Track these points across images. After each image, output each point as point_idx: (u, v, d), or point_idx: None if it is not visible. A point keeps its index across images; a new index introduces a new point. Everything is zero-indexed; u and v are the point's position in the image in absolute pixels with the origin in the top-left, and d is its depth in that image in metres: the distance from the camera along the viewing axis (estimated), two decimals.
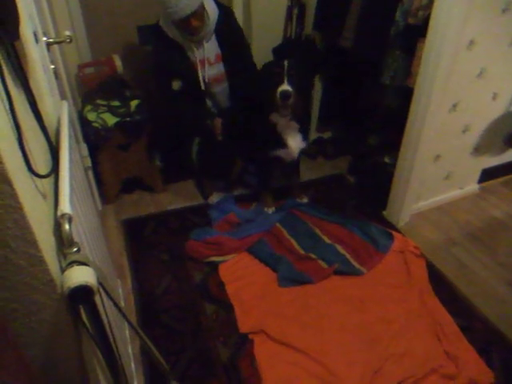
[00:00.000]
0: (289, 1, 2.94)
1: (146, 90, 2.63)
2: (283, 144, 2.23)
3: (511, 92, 2.34)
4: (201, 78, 2.33)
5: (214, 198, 2.56)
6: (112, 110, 2.37)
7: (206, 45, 2.29)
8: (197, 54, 2.29)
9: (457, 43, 1.88)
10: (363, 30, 2.34)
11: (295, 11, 2.94)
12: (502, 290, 2.03)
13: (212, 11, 2.24)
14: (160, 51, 2.29)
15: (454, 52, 1.89)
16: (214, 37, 2.31)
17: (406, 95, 2.16)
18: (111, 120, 2.33)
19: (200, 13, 2.13)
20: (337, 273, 2.04)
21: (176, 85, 2.31)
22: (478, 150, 2.48)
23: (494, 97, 2.28)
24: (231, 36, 2.37)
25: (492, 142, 2.51)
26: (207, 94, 2.44)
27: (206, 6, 2.18)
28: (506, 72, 2.21)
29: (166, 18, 2.17)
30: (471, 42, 1.96)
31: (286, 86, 2.00)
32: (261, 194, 2.52)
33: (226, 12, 2.33)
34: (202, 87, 2.36)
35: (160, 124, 2.63)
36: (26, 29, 1.11)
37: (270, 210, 2.45)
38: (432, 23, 1.86)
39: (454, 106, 2.15)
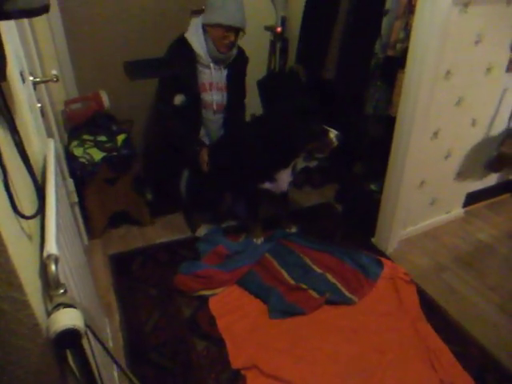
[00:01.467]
0: (272, 35, 3.03)
1: (133, 124, 2.66)
2: (272, 178, 2.25)
3: (489, 118, 2.41)
4: (212, 99, 2.41)
5: (202, 231, 2.54)
6: (98, 145, 2.37)
7: (223, 70, 2.38)
8: (214, 75, 2.36)
9: (434, 73, 1.95)
10: (344, 62, 2.42)
11: (278, 45, 3.04)
12: (494, 314, 2.03)
13: (236, 46, 2.39)
14: (175, 61, 2.33)
15: (432, 82, 1.96)
16: (227, 68, 2.41)
17: (388, 123, 2.21)
18: (98, 155, 2.33)
19: (238, 35, 2.28)
20: (328, 302, 2.03)
21: (178, 99, 2.34)
22: (461, 174, 2.54)
23: (473, 123, 2.35)
24: (239, 75, 2.49)
25: (474, 166, 2.57)
26: (204, 119, 2.48)
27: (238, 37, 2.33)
28: (483, 100, 2.29)
29: (207, 24, 2.24)
30: (448, 73, 2.03)
31: (334, 130, 2.06)
32: (249, 225, 2.51)
33: (243, 54, 2.49)
34: (215, 107, 2.43)
35: (150, 156, 2.63)
36: (13, 69, 1.12)
37: (259, 241, 2.44)
38: (410, 55, 1.93)
39: (436, 133, 2.21)
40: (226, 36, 2.23)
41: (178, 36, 2.34)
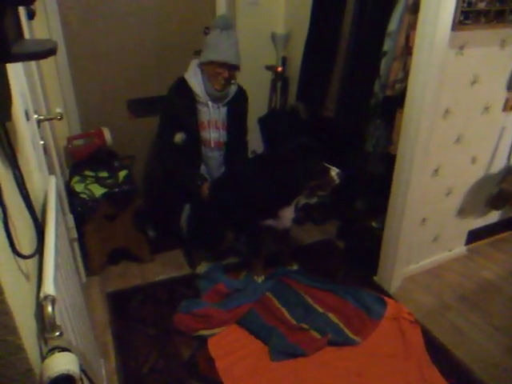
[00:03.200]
0: (273, 74, 3.11)
1: (134, 160, 2.68)
2: (275, 215, 2.24)
3: (489, 156, 2.43)
4: (210, 136, 2.44)
5: (203, 268, 2.50)
6: (100, 181, 2.38)
7: (221, 108, 2.42)
8: (211, 113, 2.40)
9: (433, 112, 1.98)
10: (344, 101, 2.45)
11: (279, 84, 3.11)
12: (502, 357, 1.97)
13: (235, 83, 2.45)
14: (175, 101, 2.37)
15: (431, 121, 1.98)
16: (226, 107, 2.45)
17: (389, 161, 2.22)
18: (99, 191, 2.33)
19: (235, 71, 2.35)
20: (331, 343, 1.97)
21: (178, 137, 2.37)
22: (463, 212, 2.53)
23: (473, 161, 2.37)
24: (239, 114, 2.53)
25: (475, 203, 2.56)
26: (204, 156, 2.50)
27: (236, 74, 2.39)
28: (482, 138, 2.31)
29: (202, 63, 2.31)
30: (446, 111, 2.06)
31: (335, 168, 2.07)
32: (250, 263, 2.48)
33: (243, 92, 2.53)
34: (212, 144, 2.45)
35: (151, 191, 2.61)
36: (18, 108, 1.13)
37: (260, 279, 2.39)
38: (408, 95, 1.96)
39: (436, 170, 2.22)
40: (219, 72, 2.29)
41: (179, 77, 2.40)
